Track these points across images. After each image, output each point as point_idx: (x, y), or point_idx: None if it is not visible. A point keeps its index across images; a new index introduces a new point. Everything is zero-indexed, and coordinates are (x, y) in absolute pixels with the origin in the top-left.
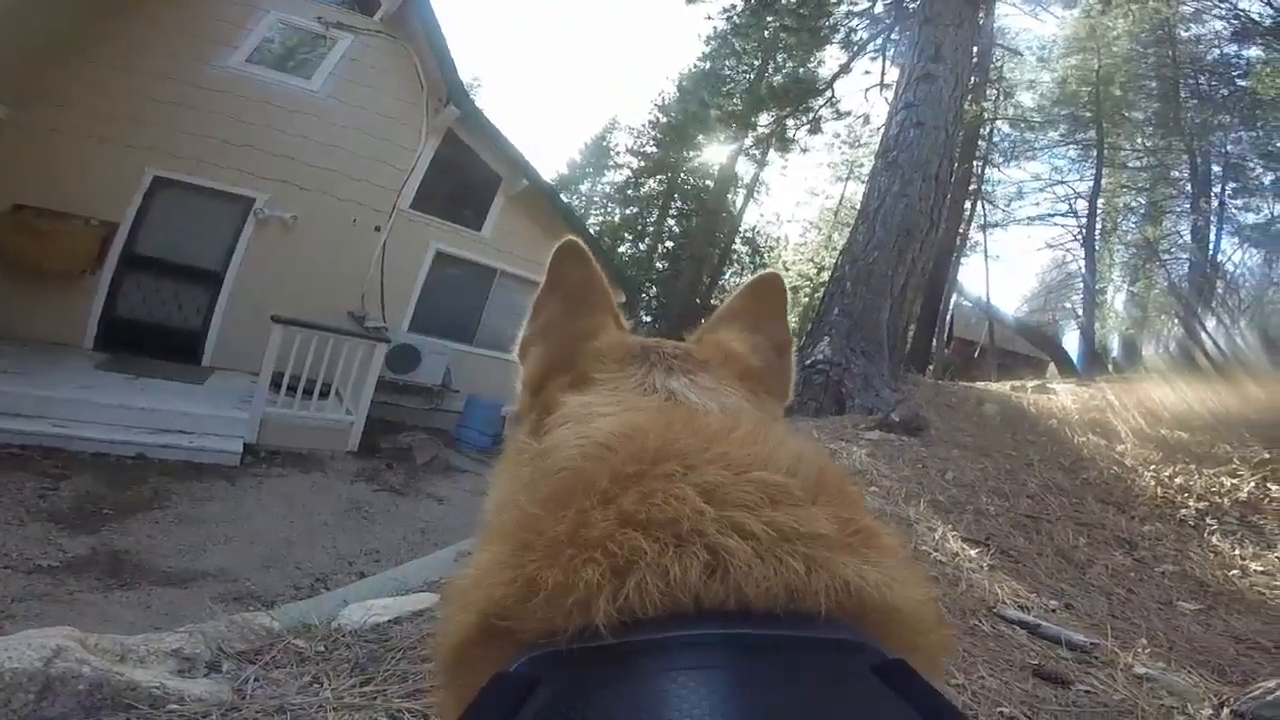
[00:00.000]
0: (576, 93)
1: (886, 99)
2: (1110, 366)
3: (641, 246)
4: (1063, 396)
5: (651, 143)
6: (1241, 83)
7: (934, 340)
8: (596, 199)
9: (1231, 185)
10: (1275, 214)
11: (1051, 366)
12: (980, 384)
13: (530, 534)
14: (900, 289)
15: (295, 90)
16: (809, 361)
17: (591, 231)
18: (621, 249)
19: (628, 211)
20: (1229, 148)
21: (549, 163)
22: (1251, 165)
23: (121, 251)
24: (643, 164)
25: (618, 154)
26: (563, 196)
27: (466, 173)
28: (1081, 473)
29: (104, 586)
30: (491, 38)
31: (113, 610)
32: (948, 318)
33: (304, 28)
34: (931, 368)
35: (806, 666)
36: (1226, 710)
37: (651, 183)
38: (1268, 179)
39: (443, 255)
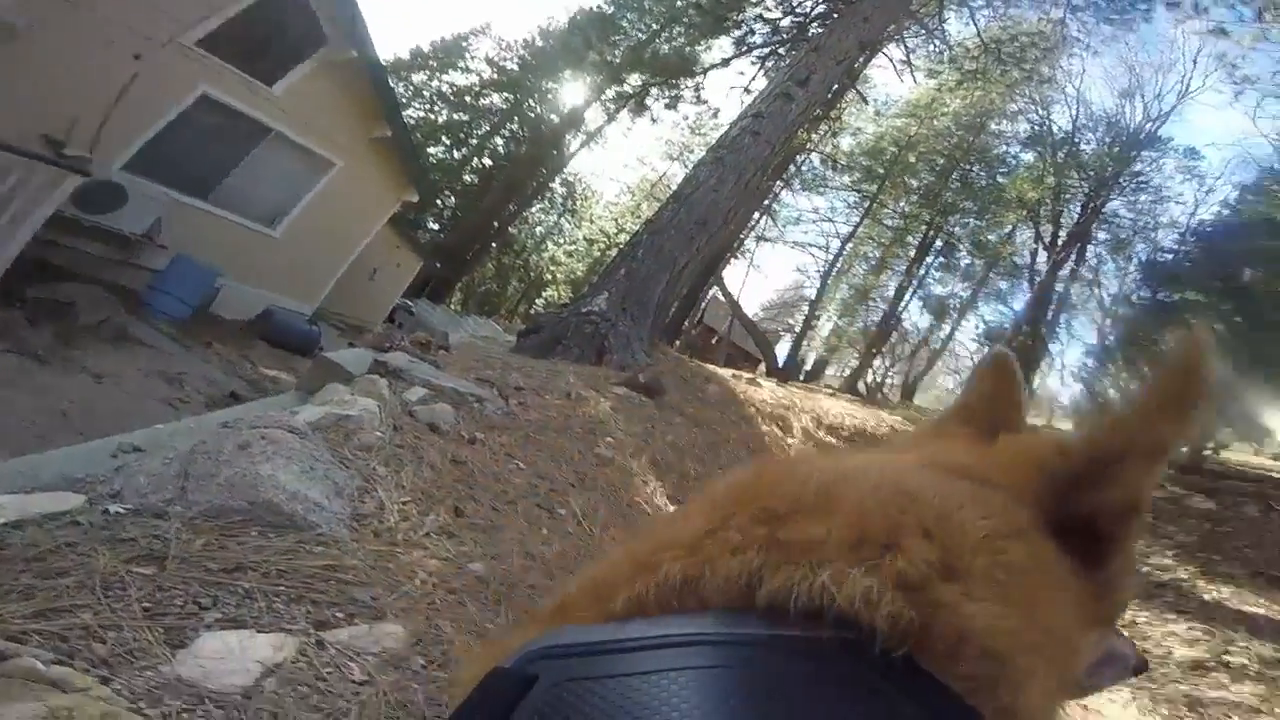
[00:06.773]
0: None
1: (743, 102)
2: (801, 376)
3: (456, 154)
4: (765, 391)
5: (516, 59)
6: (1001, 179)
7: (686, 321)
8: (426, 93)
9: (940, 260)
10: (954, 291)
11: (763, 365)
12: (711, 367)
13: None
14: (681, 269)
15: None
16: (584, 310)
17: (408, 122)
18: (433, 150)
19: (456, 116)
20: (956, 229)
21: (390, 41)
22: (960, 249)
23: None
24: (495, 76)
25: (473, 58)
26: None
27: (288, 24)
28: (759, 455)
29: None
30: None
31: None
32: (703, 305)
33: None
34: (678, 344)
35: (809, 664)
36: None
37: (496, 97)
38: (964, 262)
39: (209, 100)
